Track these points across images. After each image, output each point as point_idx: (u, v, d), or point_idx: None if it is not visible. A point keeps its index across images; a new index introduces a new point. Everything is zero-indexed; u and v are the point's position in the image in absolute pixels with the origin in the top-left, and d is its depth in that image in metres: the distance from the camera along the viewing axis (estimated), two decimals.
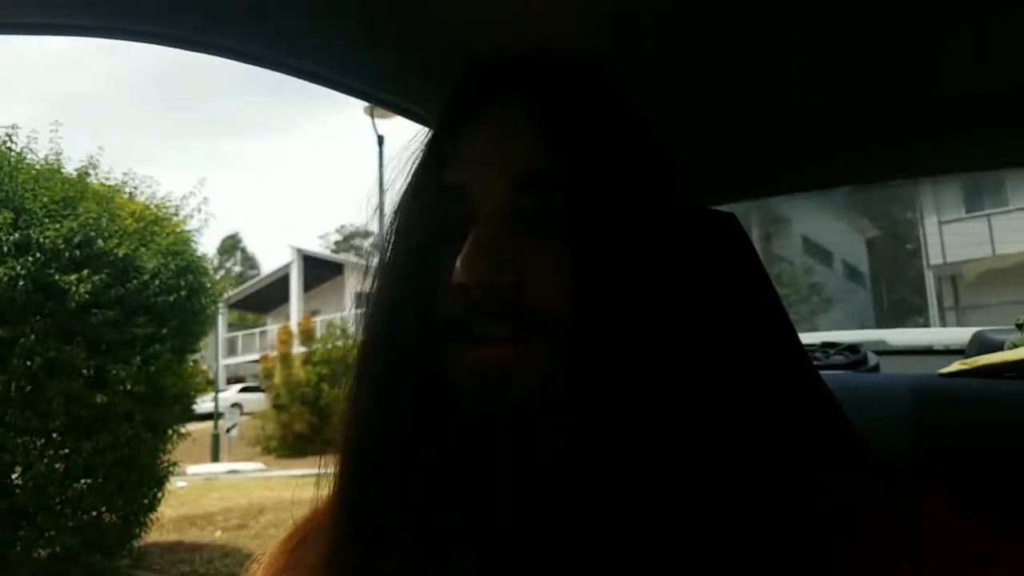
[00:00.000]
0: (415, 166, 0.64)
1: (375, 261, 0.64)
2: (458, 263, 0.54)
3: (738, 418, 0.58)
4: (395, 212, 0.64)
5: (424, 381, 0.57)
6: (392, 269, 0.61)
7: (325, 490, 0.63)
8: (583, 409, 0.53)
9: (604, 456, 0.52)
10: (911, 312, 18.74)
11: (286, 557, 0.69)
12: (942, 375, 1.49)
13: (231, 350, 30.14)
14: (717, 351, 0.59)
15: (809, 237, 18.12)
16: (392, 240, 0.63)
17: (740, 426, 0.58)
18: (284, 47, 0.86)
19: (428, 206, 0.60)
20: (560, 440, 0.53)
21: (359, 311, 0.64)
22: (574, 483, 0.52)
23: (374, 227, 0.70)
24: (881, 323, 19.11)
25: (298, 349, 17.29)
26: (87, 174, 6.71)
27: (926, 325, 16.79)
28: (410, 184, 0.63)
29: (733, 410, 0.58)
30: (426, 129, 0.67)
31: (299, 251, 28.60)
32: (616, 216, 0.57)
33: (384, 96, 0.99)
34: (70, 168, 6.59)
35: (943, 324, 16.75)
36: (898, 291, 20.33)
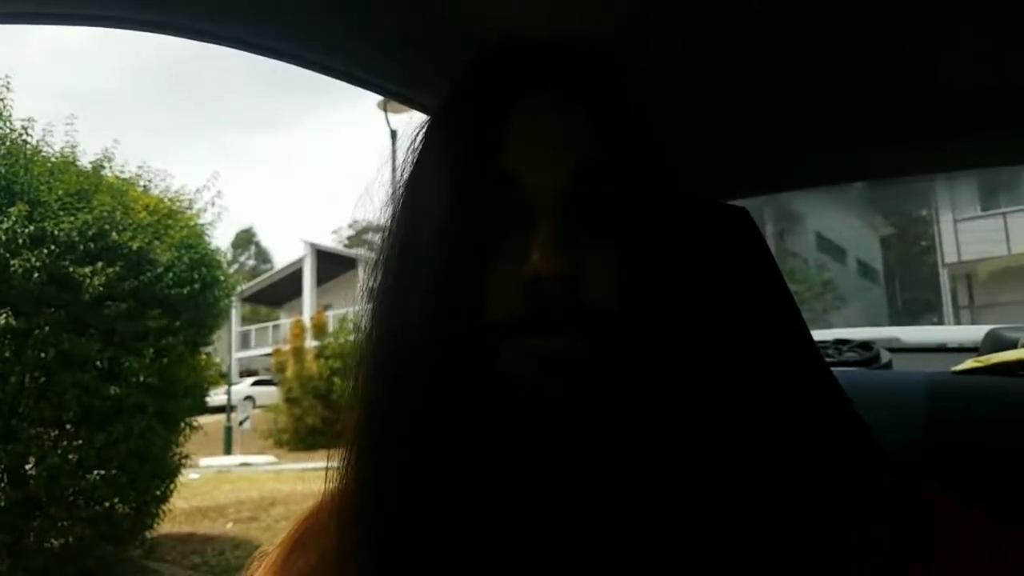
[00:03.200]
0: (448, 150, 0.60)
1: (395, 250, 0.61)
2: (535, 255, 0.53)
3: (753, 412, 0.58)
4: (424, 199, 0.60)
5: (474, 376, 0.54)
6: (429, 259, 0.57)
7: (334, 486, 0.62)
8: (640, 400, 0.53)
9: (656, 448, 0.53)
10: (925, 310, 18.62)
11: (285, 559, 0.67)
12: (955, 372, 1.48)
13: (244, 343, 30.27)
14: (733, 345, 0.59)
15: (823, 234, 18.02)
16: (424, 228, 0.58)
17: (755, 420, 0.58)
18: (294, 38, 0.86)
19: (473, 194, 0.56)
20: (620, 433, 0.53)
21: (372, 303, 0.62)
22: (633, 481, 0.53)
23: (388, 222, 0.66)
24: (895, 321, 19.02)
25: (311, 343, 17.34)
26: (102, 167, 6.72)
27: (940, 323, 16.68)
28: (443, 169, 0.59)
29: (749, 404, 0.58)
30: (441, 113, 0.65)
31: (312, 246, 28.69)
32: (662, 211, 0.58)
33: (395, 88, 0.98)
34: (85, 161, 6.62)
35: (957, 323, 16.65)
36: (912, 289, 20.21)
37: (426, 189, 0.60)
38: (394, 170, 0.66)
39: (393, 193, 0.64)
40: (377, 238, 0.64)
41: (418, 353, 0.56)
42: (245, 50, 0.84)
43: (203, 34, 0.81)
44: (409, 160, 0.64)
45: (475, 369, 0.54)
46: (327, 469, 0.62)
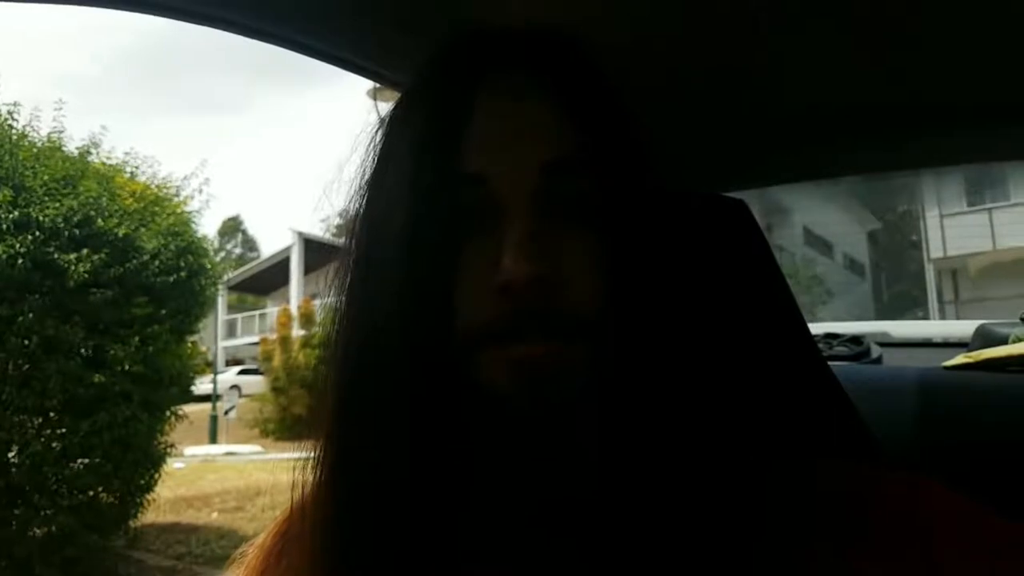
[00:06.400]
0: (408, 149, 0.56)
1: (358, 257, 0.58)
2: (506, 261, 0.50)
3: (748, 411, 0.57)
4: (387, 201, 0.56)
5: (448, 388, 0.51)
6: (393, 264, 0.53)
7: (308, 491, 0.58)
8: (623, 406, 0.51)
9: (641, 452, 0.51)
10: (911, 305, 18.76)
11: (264, 568, 0.66)
12: (946, 368, 1.48)
13: (230, 332, 30.14)
14: (727, 342, 0.58)
15: (810, 228, 18.11)
16: (388, 235, 0.55)
17: (750, 419, 0.57)
18: (288, 21, 0.85)
19: (437, 196, 0.52)
20: (602, 440, 0.52)
21: (337, 314, 0.59)
22: (615, 484, 0.51)
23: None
24: (881, 316, 19.16)
25: (298, 332, 17.28)
26: (88, 153, 6.69)
27: (925, 318, 16.80)
28: (405, 169, 0.55)
29: (744, 403, 0.57)
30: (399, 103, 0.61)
31: (300, 234, 28.54)
32: (642, 206, 0.55)
33: (389, 75, 0.97)
34: (71, 147, 6.57)
35: (942, 318, 16.77)
36: (898, 284, 20.36)
37: (388, 190, 0.57)
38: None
39: (355, 192, 0.60)
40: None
41: (388, 367, 0.53)
42: (239, 33, 0.82)
43: (197, 16, 0.80)
44: (371, 157, 0.60)
45: (449, 381, 0.51)
46: (305, 460, 0.59)
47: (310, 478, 0.58)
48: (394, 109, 0.62)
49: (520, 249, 0.50)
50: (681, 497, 0.51)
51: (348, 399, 0.56)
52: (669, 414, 0.52)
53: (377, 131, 0.61)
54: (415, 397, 0.52)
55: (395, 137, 0.59)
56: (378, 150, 0.60)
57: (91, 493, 6.21)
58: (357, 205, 0.60)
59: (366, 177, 0.60)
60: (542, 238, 0.51)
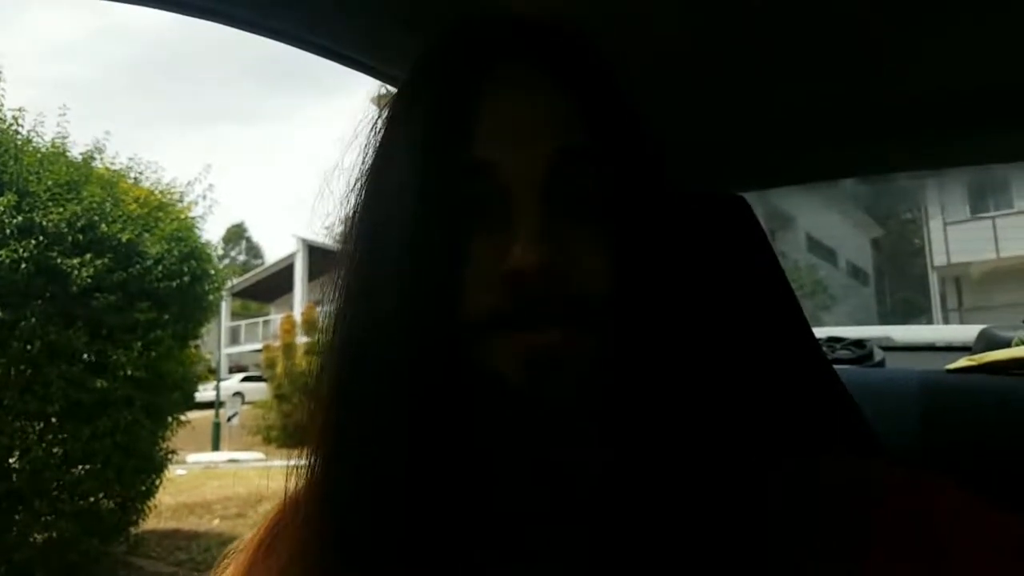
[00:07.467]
0: (414, 137, 0.55)
1: (362, 246, 0.57)
2: (516, 249, 0.49)
3: (752, 403, 0.57)
4: (391, 190, 0.56)
5: (454, 374, 0.51)
6: (399, 251, 0.53)
7: (301, 485, 0.58)
8: (630, 395, 0.51)
9: (647, 442, 0.51)
10: (915, 312, 18.74)
11: (255, 560, 0.65)
12: (949, 371, 1.48)
13: (234, 339, 30.18)
14: (729, 334, 0.58)
15: (813, 235, 18.11)
16: (393, 223, 0.54)
17: (754, 411, 0.57)
18: (293, 17, 0.85)
19: (443, 184, 0.52)
20: (609, 429, 0.51)
21: (339, 302, 0.58)
22: (620, 474, 0.51)
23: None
24: (884, 323, 19.12)
25: (301, 339, 17.28)
26: (92, 158, 6.71)
27: (929, 325, 16.80)
28: (410, 158, 0.55)
29: (747, 395, 0.57)
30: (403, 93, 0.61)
31: (304, 241, 28.57)
32: (650, 196, 0.56)
33: (395, 74, 0.97)
34: (75, 152, 6.60)
35: (946, 325, 16.77)
36: (901, 291, 20.34)
37: (392, 179, 0.56)
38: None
39: (357, 182, 0.59)
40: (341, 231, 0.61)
41: (392, 355, 0.52)
42: (242, 28, 0.82)
43: (199, 10, 0.79)
44: (372, 145, 0.60)
45: (454, 369, 0.51)
46: (295, 465, 0.59)
47: (305, 471, 0.58)
48: (398, 97, 0.61)
49: (530, 237, 0.50)
50: (686, 490, 0.51)
51: (348, 387, 0.56)
52: (676, 405, 0.52)
53: (380, 119, 0.60)
54: (416, 383, 0.51)
55: (400, 125, 0.59)
56: (381, 138, 0.60)
57: (92, 499, 6.21)
58: (360, 194, 0.59)
59: (369, 165, 0.59)
60: (551, 226, 0.51)
